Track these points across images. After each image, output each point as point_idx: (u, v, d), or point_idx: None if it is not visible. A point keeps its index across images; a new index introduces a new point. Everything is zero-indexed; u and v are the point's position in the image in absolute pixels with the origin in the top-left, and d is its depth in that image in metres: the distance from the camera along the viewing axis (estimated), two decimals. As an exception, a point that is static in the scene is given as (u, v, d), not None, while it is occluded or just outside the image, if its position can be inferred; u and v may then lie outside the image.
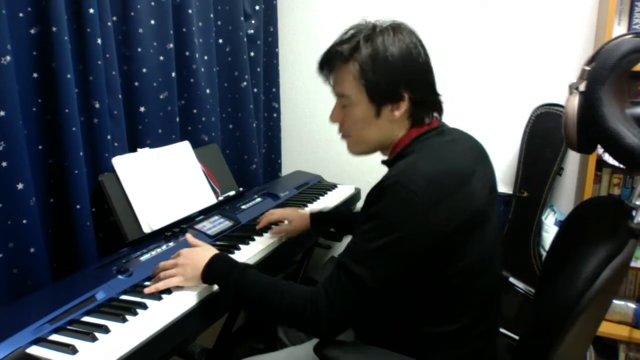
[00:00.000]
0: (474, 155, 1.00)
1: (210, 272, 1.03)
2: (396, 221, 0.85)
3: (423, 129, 0.99)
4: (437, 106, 1.01)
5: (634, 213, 0.89)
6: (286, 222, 1.46)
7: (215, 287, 1.11)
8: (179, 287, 1.10)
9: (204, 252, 1.07)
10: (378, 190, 0.89)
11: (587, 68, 0.87)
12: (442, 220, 0.86)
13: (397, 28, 0.97)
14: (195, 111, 1.76)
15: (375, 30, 0.96)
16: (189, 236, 1.25)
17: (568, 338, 0.82)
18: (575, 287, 0.82)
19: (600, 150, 1.66)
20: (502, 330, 1.38)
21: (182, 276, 1.06)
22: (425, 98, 0.97)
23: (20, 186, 1.14)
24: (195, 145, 1.67)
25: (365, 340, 1.04)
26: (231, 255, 1.29)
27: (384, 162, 1.05)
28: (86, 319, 1.00)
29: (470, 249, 0.91)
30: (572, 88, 0.90)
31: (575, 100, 0.89)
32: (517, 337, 1.21)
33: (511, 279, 1.26)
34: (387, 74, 0.93)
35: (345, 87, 0.97)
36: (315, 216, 1.44)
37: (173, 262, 1.10)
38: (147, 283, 1.15)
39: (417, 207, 0.84)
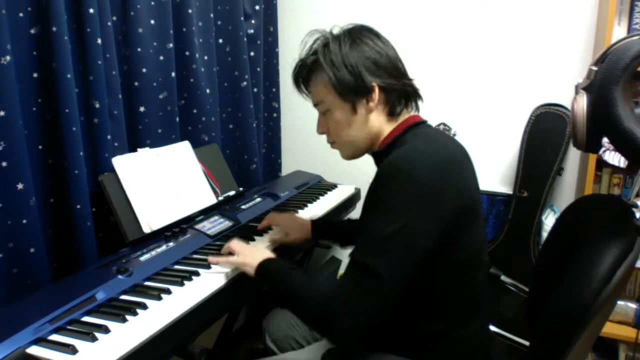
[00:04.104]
0: (460, 150, 1.01)
1: (261, 271, 1.06)
2: (405, 201, 0.84)
3: (410, 121, 1.01)
4: (411, 91, 1.03)
5: (635, 212, 0.89)
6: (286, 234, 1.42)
7: (216, 286, 1.12)
8: (179, 287, 1.11)
9: (264, 252, 1.12)
10: (379, 178, 0.89)
11: (595, 68, 0.87)
12: (447, 203, 0.86)
13: (351, 30, 1.01)
14: (195, 111, 1.76)
15: (330, 35, 1.01)
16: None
17: (582, 338, 0.82)
18: (591, 286, 0.81)
19: (600, 150, 1.66)
20: (501, 331, 1.39)
21: (241, 259, 1.12)
22: (395, 85, 0.99)
23: (20, 186, 1.14)
24: (195, 145, 1.67)
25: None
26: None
27: (374, 153, 1.06)
28: (86, 319, 1.00)
29: (468, 239, 0.92)
30: (579, 88, 0.91)
31: (583, 100, 0.89)
32: (515, 337, 1.21)
33: (502, 277, 1.26)
34: (349, 69, 0.97)
35: (318, 94, 1.03)
36: (317, 227, 1.40)
37: (241, 246, 1.17)
38: (147, 283, 1.15)
39: (425, 187, 0.84)
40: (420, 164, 0.86)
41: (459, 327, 0.96)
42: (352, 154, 1.08)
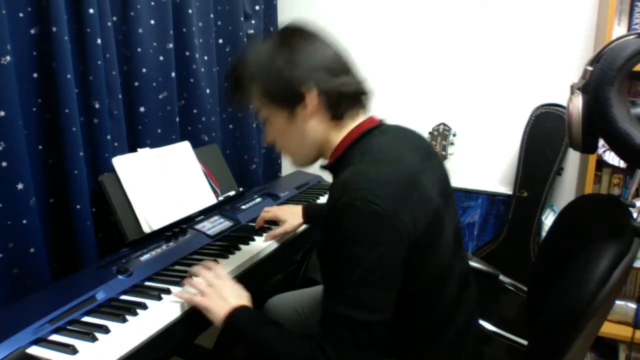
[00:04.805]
0: (420, 152, 0.94)
1: (228, 324, 0.94)
2: (368, 240, 0.78)
3: (362, 129, 0.93)
4: (354, 92, 0.94)
5: (633, 212, 0.89)
6: (280, 223, 1.44)
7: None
8: (179, 287, 1.10)
9: (236, 299, 0.98)
10: (333, 213, 0.82)
11: (590, 68, 0.87)
12: (409, 226, 0.81)
13: (279, 33, 0.95)
14: (195, 111, 1.76)
15: (259, 43, 0.95)
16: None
17: (579, 339, 0.82)
18: (587, 288, 0.81)
19: (600, 150, 1.66)
20: (501, 331, 1.38)
21: (206, 302, 0.98)
22: (332, 87, 0.90)
23: (20, 186, 1.14)
24: (195, 145, 1.67)
25: None
26: (231, 256, 1.30)
27: (323, 167, 1.00)
28: (86, 319, 1.00)
29: (436, 252, 0.87)
30: (574, 88, 0.90)
31: (578, 101, 0.88)
32: (514, 337, 1.21)
33: (501, 277, 1.26)
34: (280, 80, 0.90)
35: (255, 103, 0.96)
36: (308, 211, 1.43)
37: (212, 281, 1.03)
38: (147, 283, 1.15)
39: (383, 217, 0.78)
40: (371, 192, 0.79)
41: (430, 338, 0.94)
42: (300, 163, 1.01)
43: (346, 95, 0.92)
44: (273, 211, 1.46)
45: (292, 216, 1.42)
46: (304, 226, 1.50)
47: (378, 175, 0.83)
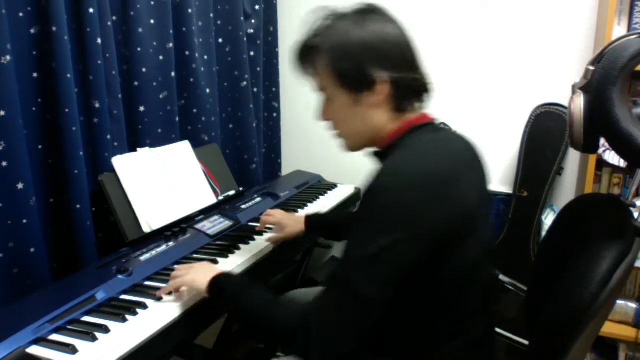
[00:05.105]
0: (464, 156, 0.95)
1: (214, 287, 0.99)
2: (387, 224, 0.81)
3: (415, 122, 0.94)
4: (421, 87, 0.95)
5: (633, 212, 0.89)
6: (281, 229, 1.43)
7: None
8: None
9: (215, 269, 1.06)
10: (367, 193, 0.84)
11: (592, 68, 0.86)
12: (431, 224, 0.81)
13: (360, 12, 0.92)
14: (195, 111, 1.76)
15: (337, 16, 0.92)
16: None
17: (581, 339, 0.82)
18: (589, 288, 0.81)
19: (600, 150, 1.66)
20: (501, 331, 1.38)
21: (189, 277, 1.04)
22: (403, 80, 0.90)
23: (20, 186, 1.14)
24: (195, 145, 1.67)
25: None
26: (231, 256, 1.30)
27: (375, 153, 1.00)
28: (86, 318, 1.00)
29: (463, 253, 0.87)
30: (576, 88, 0.89)
31: (579, 100, 0.88)
32: (514, 337, 1.21)
33: (501, 277, 1.26)
34: (355, 59, 0.88)
35: (321, 79, 0.94)
36: (310, 221, 1.41)
37: (186, 266, 1.10)
38: (147, 283, 1.15)
39: (407, 209, 0.80)
40: (403, 185, 0.81)
41: (448, 340, 0.93)
42: (353, 147, 1.01)
43: (414, 90, 0.93)
44: (276, 217, 1.43)
45: (294, 223, 1.41)
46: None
47: (416, 168, 0.84)
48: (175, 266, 1.13)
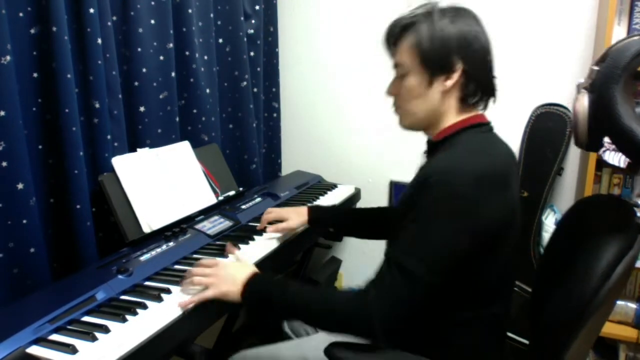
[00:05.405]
0: (512, 161, 1.00)
1: (250, 292, 0.99)
2: (445, 215, 0.86)
3: (473, 120, 0.99)
4: (490, 88, 1.01)
5: (637, 211, 0.90)
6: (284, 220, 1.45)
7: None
8: (179, 287, 1.10)
9: (243, 268, 1.04)
10: (423, 184, 0.88)
11: (596, 68, 0.88)
12: (488, 219, 0.87)
13: (459, 9, 0.99)
14: (195, 111, 1.76)
15: (436, 8, 0.98)
16: (229, 245, 1.25)
17: (580, 336, 0.83)
18: (590, 283, 0.82)
19: (600, 150, 1.66)
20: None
21: (217, 289, 1.01)
22: (478, 75, 0.98)
23: (20, 186, 1.14)
24: (195, 145, 1.67)
25: None
26: (231, 256, 1.30)
27: (428, 142, 1.05)
28: (86, 318, 1.00)
29: (506, 248, 0.93)
30: (580, 87, 0.92)
31: (584, 99, 0.90)
32: (515, 337, 1.21)
33: None
34: (441, 44, 0.94)
35: (402, 55, 0.99)
36: (313, 212, 1.43)
37: (209, 271, 1.06)
38: (147, 283, 1.15)
39: (466, 203, 0.85)
40: (463, 179, 0.86)
41: (471, 325, 0.98)
42: (410, 125, 1.04)
43: (484, 88, 0.99)
44: (276, 211, 1.46)
45: (295, 215, 1.42)
46: (304, 226, 1.50)
47: (474, 165, 0.88)
48: (195, 269, 1.09)
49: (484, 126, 1.01)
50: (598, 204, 1.02)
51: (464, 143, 0.95)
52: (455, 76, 0.95)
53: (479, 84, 0.98)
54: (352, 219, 1.45)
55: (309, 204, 1.46)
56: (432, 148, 1.03)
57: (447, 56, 0.94)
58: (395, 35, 1.01)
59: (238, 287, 0.99)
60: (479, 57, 0.97)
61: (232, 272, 1.03)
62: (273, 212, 1.46)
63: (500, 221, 0.90)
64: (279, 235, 1.43)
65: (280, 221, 1.43)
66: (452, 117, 0.99)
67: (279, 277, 1.00)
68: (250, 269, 1.04)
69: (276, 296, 0.96)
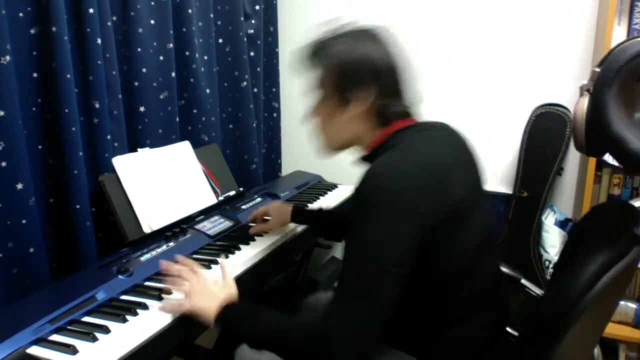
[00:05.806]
0: (454, 150, 0.99)
1: (223, 321, 0.97)
2: (381, 221, 0.83)
3: (397, 127, 0.98)
4: (406, 99, 1.00)
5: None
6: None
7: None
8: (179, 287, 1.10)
9: (218, 293, 1.01)
10: (358, 194, 0.88)
11: (597, 70, 0.86)
12: (424, 215, 0.84)
13: (360, 31, 1.00)
14: (195, 111, 1.76)
15: (338, 31, 1.01)
16: (222, 262, 1.19)
17: (568, 338, 0.82)
18: (574, 289, 0.81)
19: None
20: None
21: (189, 305, 1.00)
22: (390, 93, 0.97)
23: (20, 186, 1.14)
24: (195, 145, 1.67)
25: None
26: (231, 256, 1.30)
27: (362, 158, 1.04)
28: (86, 319, 1.00)
29: (455, 244, 0.90)
30: (583, 90, 0.89)
31: (584, 102, 0.88)
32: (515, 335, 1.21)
33: (523, 281, 1.25)
34: (352, 70, 0.96)
35: (315, 81, 1.02)
36: (296, 212, 1.44)
37: (185, 275, 1.05)
38: (147, 283, 1.15)
39: (398, 204, 0.83)
40: (392, 180, 0.85)
41: (454, 327, 0.96)
42: (329, 149, 1.06)
43: (399, 101, 0.99)
44: (263, 208, 1.47)
45: (279, 214, 1.44)
46: (304, 226, 1.50)
47: (401, 163, 0.88)
48: (172, 266, 1.09)
49: (412, 127, 0.99)
50: (604, 211, 1.01)
51: (389, 149, 0.94)
52: (368, 103, 0.96)
53: (394, 99, 0.98)
54: (328, 220, 1.45)
55: (295, 206, 1.45)
56: (366, 161, 1.02)
57: (358, 85, 0.95)
58: (307, 60, 1.03)
59: (211, 312, 0.97)
60: (389, 75, 0.97)
61: (206, 292, 1.01)
62: (260, 210, 1.47)
63: (440, 212, 0.86)
64: (278, 236, 1.43)
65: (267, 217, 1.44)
66: (376, 131, 0.99)
67: (251, 307, 0.96)
68: (222, 295, 1.00)
69: (243, 332, 0.94)
